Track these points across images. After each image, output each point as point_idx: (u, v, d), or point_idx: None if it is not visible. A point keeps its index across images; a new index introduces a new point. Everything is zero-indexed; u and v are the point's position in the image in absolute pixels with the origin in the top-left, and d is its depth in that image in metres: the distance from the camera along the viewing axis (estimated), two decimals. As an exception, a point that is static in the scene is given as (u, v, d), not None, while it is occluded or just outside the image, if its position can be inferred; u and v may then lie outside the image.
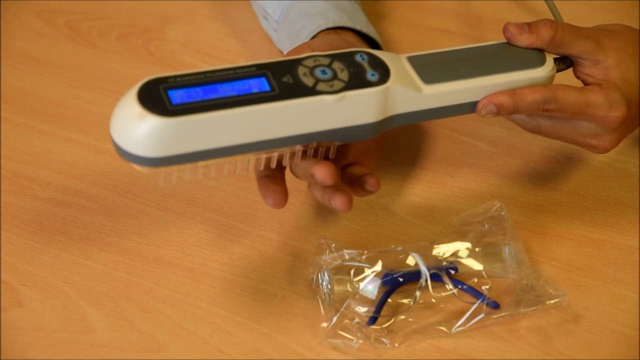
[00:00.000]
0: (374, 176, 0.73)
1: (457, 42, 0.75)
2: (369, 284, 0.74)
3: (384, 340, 0.72)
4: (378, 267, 0.75)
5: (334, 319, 0.73)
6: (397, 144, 0.87)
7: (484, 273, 0.76)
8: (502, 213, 0.78)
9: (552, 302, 0.74)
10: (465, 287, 0.75)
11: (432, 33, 1.00)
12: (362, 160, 0.76)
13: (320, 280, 0.75)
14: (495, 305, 0.74)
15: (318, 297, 0.75)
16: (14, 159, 0.86)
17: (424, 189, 0.84)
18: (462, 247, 0.76)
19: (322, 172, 0.69)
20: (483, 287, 0.75)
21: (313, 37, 0.84)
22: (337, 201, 0.71)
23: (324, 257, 0.75)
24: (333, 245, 0.76)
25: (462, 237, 0.77)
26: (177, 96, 0.65)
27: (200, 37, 1.00)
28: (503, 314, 0.74)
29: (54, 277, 0.77)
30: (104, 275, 0.77)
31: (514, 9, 1.04)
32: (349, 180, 0.74)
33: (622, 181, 0.84)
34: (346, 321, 0.73)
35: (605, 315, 0.74)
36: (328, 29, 0.85)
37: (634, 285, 0.76)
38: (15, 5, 1.03)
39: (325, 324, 0.73)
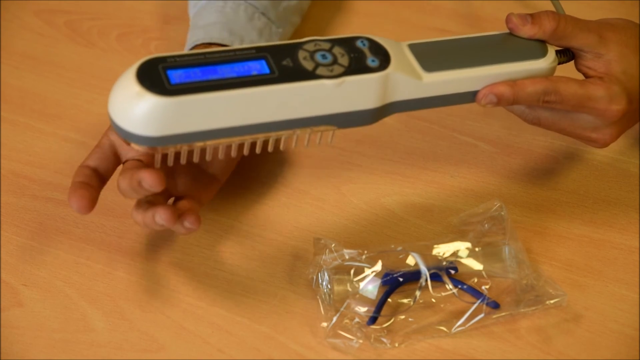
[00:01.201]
0: (195, 213, 0.70)
1: (457, 42, 0.76)
2: (369, 284, 0.74)
3: (384, 340, 0.72)
4: (378, 267, 0.75)
5: (334, 319, 0.72)
6: (397, 144, 0.87)
7: (484, 273, 0.76)
8: (502, 213, 0.78)
9: (552, 302, 0.74)
10: (465, 287, 0.75)
11: (432, 33, 1.00)
12: (193, 194, 0.74)
13: (320, 280, 0.75)
14: (495, 305, 0.74)
15: (318, 297, 0.74)
16: (14, 159, 0.86)
17: (424, 189, 0.84)
18: (462, 247, 0.76)
19: (150, 176, 0.66)
20: (483, 287, 0.75)
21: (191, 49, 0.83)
22: (162, 215, 0.67)
23: (324, 257, 0.75)
24: (333, 245, 0.75)
25: (462, 237, 0.77)
26: (176, 76, 0.65)
27: (200, 37, 1.00)
28: (503, 313, 0.74)
29: (54, 277, 0.77)
30: (104, 275, 0.77)
31: (514, 8, 1.03)
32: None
33: (622, 181, 0.84)
34: (346, 321, 0.73)
35: (605, 315, 0.74)
36: (204, 43, 0.83)
37: (634, 285, 0.76)
38: (15, 5, 1.02)
39: (325, 324, 0.73)
